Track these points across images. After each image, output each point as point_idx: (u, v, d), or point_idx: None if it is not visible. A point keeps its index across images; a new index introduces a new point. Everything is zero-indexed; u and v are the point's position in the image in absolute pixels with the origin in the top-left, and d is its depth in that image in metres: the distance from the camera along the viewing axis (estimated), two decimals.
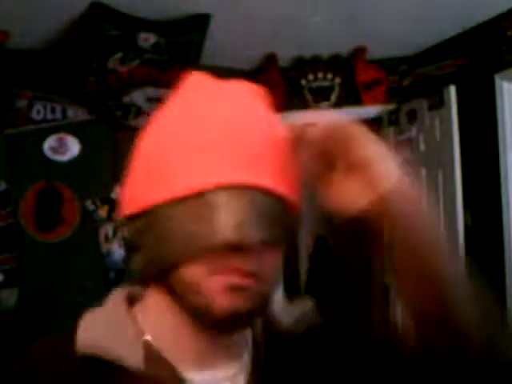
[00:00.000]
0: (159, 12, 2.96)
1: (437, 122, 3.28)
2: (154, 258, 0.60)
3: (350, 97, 3.77)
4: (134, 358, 0.60)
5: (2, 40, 3.04)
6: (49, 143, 3.35)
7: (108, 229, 3.40)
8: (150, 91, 3.16)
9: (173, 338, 0.63)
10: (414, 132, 3.46)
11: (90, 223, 3.38)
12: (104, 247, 3.39)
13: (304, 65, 3.74)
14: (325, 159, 0.62)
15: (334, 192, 0.62)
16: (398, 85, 3.73)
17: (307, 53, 3.68)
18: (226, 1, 2.87)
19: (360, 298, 3.66)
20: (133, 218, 0.63)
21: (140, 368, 0.59)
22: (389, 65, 3.72)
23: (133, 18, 2.96)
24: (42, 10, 2.81)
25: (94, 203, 3.38)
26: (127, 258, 0.63)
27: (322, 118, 0.62)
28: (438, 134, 3.28)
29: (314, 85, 3.76)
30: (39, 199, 3.31)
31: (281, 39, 3.41)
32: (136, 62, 3.10)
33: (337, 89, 3.76)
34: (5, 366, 0.67)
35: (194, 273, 0.58)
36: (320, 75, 3.74)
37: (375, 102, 3.75)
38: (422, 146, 3.41)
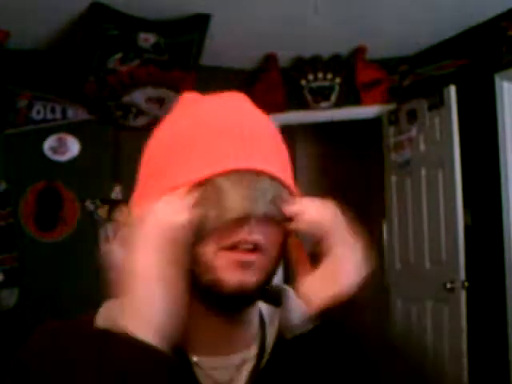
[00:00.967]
0: (159, 12, 2.96)
1: (437, 121, 3.28)
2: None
3: (349, 97, 3.77)
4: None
5: (2, 40, 3.04)
6: (49, 143, 3.35)
7: (108, 229, 3.40)
8: (150, 91, 3.16)
9: (185, 323, 0.66)
10: (414, 132, 3.46)
11: (90, 223, 3.38)
12: (104, 247, 3.39)
13: (304, 65, 3.74)
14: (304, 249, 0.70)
15: (302, 283, 0.68)
16: (398, 85, 3.73)
17: (307, 53, 3.68)
18: (225, 1, 2.87)
19: None
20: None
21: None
22: (389, 65, 3.72)
23: (133, 18, 2.96)
24: (42, 10, 2.81)
25: (93, 203, 3.38)
26: None
27: (308, 207, 0.67)
28: (437, 134, 3.28)
29: (314, 85, 3.76)
30: (39, 199, 3.31)
31: (281, 39, 3.41)
32: (136, 62, 3.10)
33: (337, 89, 3.76)
34: (5, 365, 0.67)
35: (205, 251, 0.63)
36: (320, 75, 3.74)
37: (375, 102, 3.75)
38: (422, 146, 3.41)
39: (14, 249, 3.20)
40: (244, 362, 0.68)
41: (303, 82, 3.76)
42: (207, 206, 0.63)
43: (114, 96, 3.21)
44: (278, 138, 0.71)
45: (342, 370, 0.66)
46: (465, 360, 3.01)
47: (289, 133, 4.21)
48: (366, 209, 4.73)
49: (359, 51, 3.61)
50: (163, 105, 3.25)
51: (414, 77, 3.65)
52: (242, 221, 0.62)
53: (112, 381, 0.55)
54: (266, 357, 0.69)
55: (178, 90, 3.21)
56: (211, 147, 0.65)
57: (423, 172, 3.41)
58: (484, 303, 3.11)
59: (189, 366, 0.65)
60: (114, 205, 3.40)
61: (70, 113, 3.40)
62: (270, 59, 3.69)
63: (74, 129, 3.39)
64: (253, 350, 0.69)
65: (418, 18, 3.09)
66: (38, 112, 3.34)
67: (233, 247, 0.63)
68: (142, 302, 0.58)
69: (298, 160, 4.67)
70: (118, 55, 3.06)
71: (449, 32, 3.34)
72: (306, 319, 0.71)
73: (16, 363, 0.64)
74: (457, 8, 2.98)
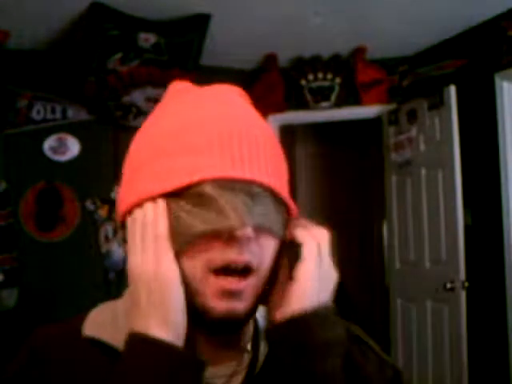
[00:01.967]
0: (159, 12, 2.96)
1: (437, 121, 3.28)
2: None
3: (349, 97, 3.77)
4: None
5: (2, 40, 3.04)
6: (49, 143, 3.35)
7: (108, 229, 3.40)
8: (150, 91, 3.16)
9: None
10: (414, 132, 3.46)
11: (90, 223, 3.38)
12: (104, 247, 3.39)
13: (304, 65, 3.74)
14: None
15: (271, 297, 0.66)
16: (398, 85, 3.73)
17: (307, 53, 3.68)
18: (225, 1, 2.87)
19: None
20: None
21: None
22: (389, 65, 3.72)
23: (133, 18, 2.96)
24: (42, 9, 2.81)
25: (93, 203, 3.38)
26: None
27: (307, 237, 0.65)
28: (437, 134, 3.28)
29: (314, 85, 3.75)
30: (39, 199, 3.31)
31: (281, 39, 3.41)
32: (136, 62, 3.10)
33: (337, 89, 3.76)
34: (5, 365, 0.67)
35: (195, 271, 0.60)
36: (320, 75, 3.74)
37: (375, 102, 3.75)
38: (422, 146, 3.41)
39: (14, 249, 3.20)
40: (236, 371, 0.66)
41: (303, 82, 3.76)
42: (194, 214, 0.59)
43: (114, 96, 3.21)
44: (273, 139, 0.67)
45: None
46: (465, 360, 3.01)
47: (289, 133, 4.21)
48: (366, 209, 4.74)
49: (359, 51, 3.61)
50: None
51: (414, 77, 3.65)
52: (230, 237, 0.58)
53: None
54: (260, 365, 0.67)
55: None
56: (200, 150, 0.60)
57: (423, 172, 3.41)
58: (484, 303, 3.11)
59: (202, 367, 0.62)
60: (114, 205, 3.39)
61: (70, 113, 3.40)
62: (269, 59, 3.69)
63: (74, 129, 3.39)
64: (246, 359, 0.67)
65: (418, 18, 3.09)
66: (38, 112, 3.34)
67: (222, 270, 0.59)
68: (164, 303, 0.58)
69: (297, 160, 4.67)
70: (118, 55, 3.05)
71: (449, 32, 3.34)
72: None
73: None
74: (457, 8, 2.98)
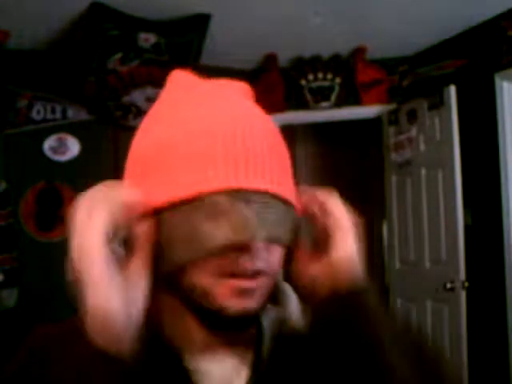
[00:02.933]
0: (159, 12, 2.96)
1: (437, 121, 3.28)
2: (163, 265, 0.61)
3: (349, 97, 3.77)
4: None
5: (2, 40, 3.04)
6: (49, 143, 3.35)
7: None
8: (150, 91, 3.16)
9: (181, 329, 0.65)
10: (414, 132, 3.46)
11: None
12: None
13: (304, 65, 3.74)
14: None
15: (306, 269, 0.67)
16: (398, 85, 3.73)
17: (307, 53, 3.68)
18: (225, 1, 2.87)
19: None
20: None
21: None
22: (389, 65, 3.72)
23: (133, 18, 2.96)
24: (42, 9, 2.81)
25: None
26: None
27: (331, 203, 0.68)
28: (437, 134, 3.28)
29: (314, 85, 3.75)
30: (39, 199, 3.31)
31: (281, 39, 3.41)
32: (136, 62, 3.09)
33: (337, 89, 3.76)
34: (4, 365, 0.67)
35: (203, 278, 0.60)
36: (320, 75, 3.74)
37: (375, 102, 3.75)
38: (422, 146, 3.41)
39: (14, 249, 3.20)
40: (242, 363, 0.67)
41: (303, 82, 3.76)
42: (204, 224, 0.58)
43: (114, 96, 3.21)
44: (280, 143, 0.66)
45: (341, 368, 0.64)
46: (465, 360, 3.01)
47: (289, 133, 4.21)
48: (366, 209, 4.73)
49: (359, 51, 3.61)
50: None
51: (414, 77, 3.65)
52: (243, 247, 0.59)
53: None
54: (265, 356, 0.67)
55: None
56: (207, 159, 0.59)
57: (423, 172, 3.41)
58: (484, 303, 3.11)
59: (183, 372, 0.63)
60: None
61: (70, 113, 3.40)
62: (269, 59, 3.69)
63: (74, 129, 3.39)
64: (251, 352, 0.68)
65: (418, 18, 3.09)
66: (38, 112, 3.34)
67: (232, 274, 0.60)
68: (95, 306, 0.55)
69: (297, 160, 4.67)
70: (118, 55, 3.05)
71: (449, 32, 3.34)
72: (304, 315, 0.70)
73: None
74: (457, 8, 2.98)
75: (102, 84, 3.15)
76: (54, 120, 3.38)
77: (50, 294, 3.19)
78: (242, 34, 3.27)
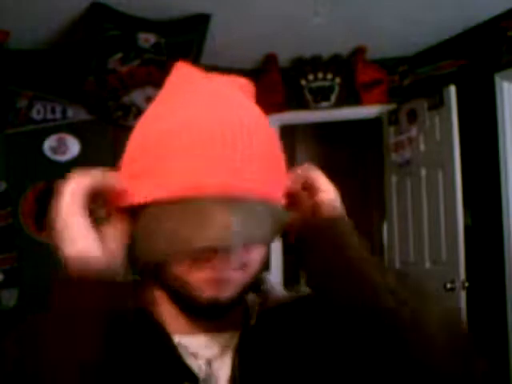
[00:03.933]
0: (159, 12, 2.96)
1: (437, 121, 3.28)
2: (141, 254, 0.64)
3: (349, 97, 3.77)
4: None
5: (2, 40, 3.04)
6: (49, 143, 3.35)
7: None
8: (150, 91, 3.16)
9: (168, 317, 0.68)
10: (414, 132, 3.46)
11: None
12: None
13: (304, 65, 3.74)
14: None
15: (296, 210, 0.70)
16: (398, 85, 3.73)
17: (307, 53, 3.68)
18: (225, 1, 2.87)
19: None
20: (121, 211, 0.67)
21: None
22: (389, 65, 3.72)
23: (133, 18, 2.96)
24: (42, 10, 2.81)
25: (94, 203, 3.38)
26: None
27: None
28: (437, 133, 3.28)
29: (314, 85, 3.75)
30: (39, 199, 3.31)
31: (281, 39, 3.41)
32: (136, 62, 3.09)
33: (337, 89, 3.76)
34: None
35: (181, 268, 0.62)
36: (320, 75, 3.74)
37: (375, 102, 3.75)
38: (422, 146, 3.41)
39: (14, 249, 3.20)
40: (230, 339, 0.68)
41: (303, 82, 3.76)
42: (185, 222, 0.59)
43: (113, 96, 3.21)
44: (271, 139, 0.67)
45: (325, 339, 0.66)
46: None
47: (289, 133, 4.21)
48: (366, 209, 4.74)
49: (359, 51, 3.61)
50: None
51: (414, 77, 3.65)
52: (221, 252, 0.60)
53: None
54: (252, 328, 0.69)
55: None
56: (195, 156, 0.60)
57: (423, 172, 3.41)
58: (484, 303, 3.11)
59: (171, 347, 0.65)
60: None
61: (70, 113, 3.40)
62: (269, 59, 3.69)
63: (74, 129, 3.39)
64: (237, 329, 0.69)
65: (418, 18, 3.09)
66: (38, 112, 3.34)
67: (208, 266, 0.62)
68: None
69: (298, 160, 4.67)
70: (118, 55, 3.05)
71: (449, 32, 3.34)
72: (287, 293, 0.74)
73: None
74: (457, 8, 2.98)
75: (102, 84, 3.15)
76: (54, 120, 3.38)
77: (50, 294, 3.19)
78: (242, 33, 3.27)
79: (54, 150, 3.36)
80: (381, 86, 3.73)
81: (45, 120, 3.36)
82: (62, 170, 2.99)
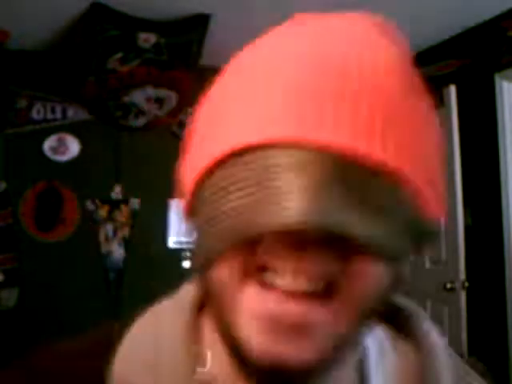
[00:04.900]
0: (159, 12, 2.96)
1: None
2: (196, 249, 0.40)
3: None
4: None
5: (2, 40, 3.04)
6: (49, 143, 3.35)
7: (108, 229, 3.40)
8: (150, 91, 3.16)
9: (220, 366, 0.42)
10: None
11: (89, 223, 3.38)
12: (104, 247, 3.39)
13: None
14: None
15: None
16: None
17: None
18: (225, 1, 2.87)
19: None
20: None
21: None
22: None
23: (133, 18, 2.96)
24: (42, 10, 2.81)
25: (93, 203, 3.38)
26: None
27: None
28: None
29: None
30: (39, 199, 3.31)
31: None
32: (136, 62, 3.09)
33: None
34: (5, 365, 0.66)
35: (220, 274, 0.38)
36: None
37: None
38: None
39: (14, 249, 3.20)
40: None
41: None
42: (248, 192, 0.35)
43: (114, 96, 3.21)
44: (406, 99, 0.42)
45: None
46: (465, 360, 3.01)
47: None
48: None
49: None
50: (163, 105, 3.25)
51: None
52: (300, 236, 0.34)
53: None
54: None
55: (178, 90, 3.21)
56: (274, 100, 0.38)
57: None
58: (484, 303, 3.11)
59: None
60: (114, 205, 3.39)
61: (70, 113, 3.40)
62: None
63: (74, 129, 3.39)
64: None
65: (418, 18, 3.09)
66: (38, 112, 3.34)
67: (265, 271, 0.36)
68: None
69: None
70: (118, 55, 3.05)
71: (449, 32, 3.34)
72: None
73: None
74: (457, 8, 2.98)
75: (102, 84, 3.15)
76: (54, 120, 3.38)
77: (50, 294, 3.19)
78: (242, 34, 3.27)
79: (54, 150, 3.36)
80: None
81: (45, 120, 3.36)
82: (62, 170, 3.00)
